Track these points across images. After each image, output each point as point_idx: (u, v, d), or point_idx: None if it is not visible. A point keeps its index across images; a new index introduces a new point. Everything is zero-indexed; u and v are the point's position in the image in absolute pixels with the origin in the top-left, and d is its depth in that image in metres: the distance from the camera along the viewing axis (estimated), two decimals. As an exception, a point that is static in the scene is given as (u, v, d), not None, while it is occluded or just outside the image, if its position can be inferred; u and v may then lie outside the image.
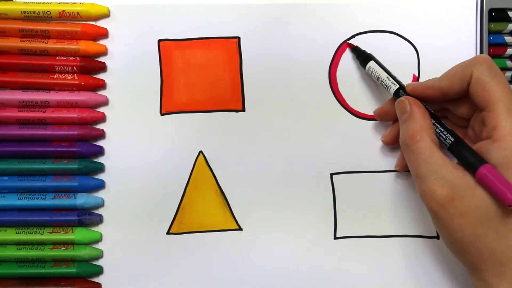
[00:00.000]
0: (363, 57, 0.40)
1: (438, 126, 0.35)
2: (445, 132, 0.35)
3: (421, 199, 0.34)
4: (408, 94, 0.37)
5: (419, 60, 0.41)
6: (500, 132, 0.32)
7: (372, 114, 0.41)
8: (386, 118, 0.39)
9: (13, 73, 0.40)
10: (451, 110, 0.37)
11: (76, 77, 0.40)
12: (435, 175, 0.32)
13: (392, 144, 0.40)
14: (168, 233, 0.41)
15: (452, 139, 0.34)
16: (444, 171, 0.32)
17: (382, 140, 0.40)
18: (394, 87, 0.37)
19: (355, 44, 0.40)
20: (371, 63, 0.39)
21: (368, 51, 0.41)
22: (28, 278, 0.40)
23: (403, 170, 0.40)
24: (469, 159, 0.33)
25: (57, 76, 0.40)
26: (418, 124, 0.34)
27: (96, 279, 0.40)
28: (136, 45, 0.41)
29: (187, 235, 0.41)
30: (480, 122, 0.35)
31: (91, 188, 0.40)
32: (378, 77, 0.38)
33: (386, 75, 0.38)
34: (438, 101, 0.36)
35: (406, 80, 0.41)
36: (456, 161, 0.34)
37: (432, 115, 0.36)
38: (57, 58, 0.40)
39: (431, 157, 0.33)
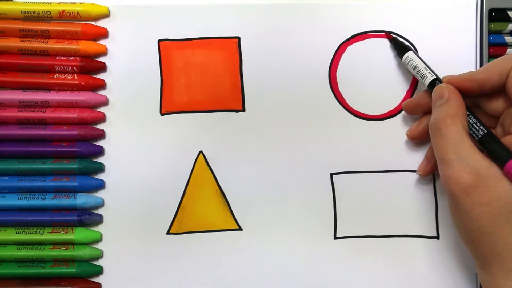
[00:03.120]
0: (400, 48, 0.40)
1: (472, 117, 0.35)
2: (478, 124, 0.35)
3: (442, 184, 0.34)
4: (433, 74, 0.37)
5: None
6: None
7: (372, 114, 0.41)
8: (416, 111, 0.39)
9: (13, 73, 0.40)
10: (482, 107, 0.37)
11: (76, 77, 0.40)
12: (462, 161, 0.32)
13: (417, 139, 0.40)
14: (168, 233, 0.41)
15: (485, 131, 0.34)
16: (471, 159, 0.32)
17: (407, 134, 0.40)
18: (431, 77, 0.37)
19: (393, 35, 0.41)
20: (410, 53, 0.39)
21: (368, 51, 0.41)
22: (28, 278, 0.40)
23: (426, 174, 0.40)
24: (499, 152, 0.33)
25: (57, 76, 0.40)
26: (453, 108, 0.34)
27: (96, 279, 0.41)
28: (136, 45, 0.41)
29: (187, 235, 0.41)
30: (511, 117, 0.35)
31: (91, 188, 0.40)
32: (415, 67, 0.38)
33: (424, 65, 0.38)
34: (474, 93, 0.36)
35: (406, 80, 0.41)
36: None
37: (467, 108, 0.36)
38: (57, 58, 0.40)
39: (461, 143, 0.33)
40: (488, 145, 0.34)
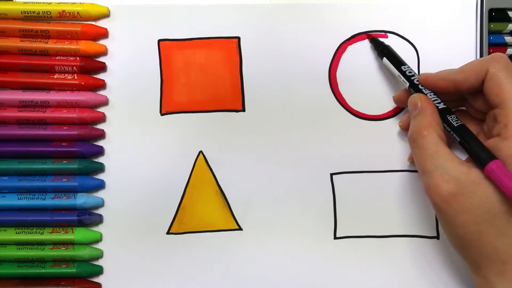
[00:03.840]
0: (380, 49, 0.40)
1: (452, 118, 0.35)
2: (455, 125, 0.35)
3: (426, 194, 0.34)
4: (419, 85, 0.37)
5: (419, 60, 0.41)
6: (510, 130, 0.32)
7: (372, 114, 0.41)
8: (403, 104, 0.39)
9: (13, 73, 0.40)
10: (469, 101, 0.37)
11: (76, 77, 0.40)
12: (440, 170, 0.32)
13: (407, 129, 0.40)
14: (168, 233, 0.41)
15: (463, 135, 0.34)
16: (449, 166, 0.32)
17: (400, 125, 0.40)
18: (406, 84, 0.38)
19: (373, 36, 0.41)
20: (384, 60, 0.39)
21: (368, 51, 0.41)
22: (28, 278, 0.40)
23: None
24: (479, 154, 0.33)
25: (57, 76, 0.40)
26: (426, 120, 0.34)
27: (96, 279, 0.40)
28: (136, 45, 0.41)
29: (187, 235, 0.41)
30: (492, 119, 0.35)
31: (91, 188, 0.40)
32: (392, 73, 0.39)
33: (398, 73, 0.38)
34: (450, 93, 0.36)
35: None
36: (465, 159, 0.34)
37: (445, 110, 0.36)
38: (57, 58, 0.40)
39: (437, 152, 0.33)
40: (468, 147, 0.34)
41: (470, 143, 0.34)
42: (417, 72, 0.41)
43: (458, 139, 0.35)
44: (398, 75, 0.38)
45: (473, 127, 0.36)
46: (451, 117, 0.35)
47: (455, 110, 0.38)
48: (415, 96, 0.36)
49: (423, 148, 0.34)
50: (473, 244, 0.32)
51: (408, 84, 0.37)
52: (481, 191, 0.32)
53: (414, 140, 0.34)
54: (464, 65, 0.36)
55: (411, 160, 0.40)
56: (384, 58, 0.39)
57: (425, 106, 0.35)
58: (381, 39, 0.41)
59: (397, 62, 0.38)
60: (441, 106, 0.36)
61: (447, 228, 0.34)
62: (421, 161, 0.34)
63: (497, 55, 0.35)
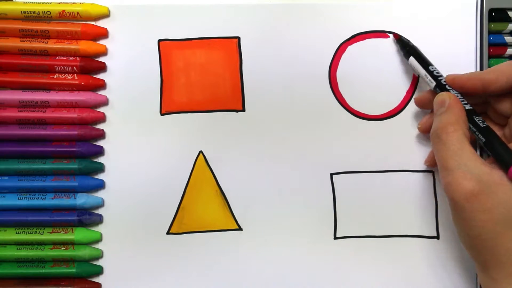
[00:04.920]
0: (407, 49, 0.39)
1: (478, 119, 0.35)
2: (481, 125, 0.35)
3: (444, 192, 0.33)
4: (446, 85, 0.37)
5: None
6: None
7: (372, 114, 0.41)
8: (426, 106, 0.39)
9: (13, 73, 0.40)
10: (492, 105, 0.37)
11: (76, 77, 0.40)
12: (463, 168, 0.32)
13: (428, 132, 0.39)
14: (168, 233, 0.41)
15: (488, 136, 0.34)
16: (472, 165, 0.32)
17: (418, 128, 0.40)
18: (431, 84, 0.37)
19: (400, 35, 0.40)
20: (411, 60, 0.39)
21: (368, 52, 0.41)
22: (28, 278, 0.40)
23: (433, 166, 0.40)
24: (504, 156, 0.33)
25: (57, 76, 0.40)
26: (454, 116, 0.34)
27: (96, 279, 0.41)
28: (136, 45, 0.41)
29: (187, 235, 0.41)
30: None
31: (91, 188, 0.40)
32: (418, 73, 0.39)
33: (424, 72, 0.38)
34: (477, 93, 0.36)
35: (406, 80, 0.41)
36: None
37: (471, 111, 0.35)
38: (57, 58, 0.40)
39: (462, 150, 0.33)
40: (492, 148, 0.34)
41: (495, 144, 0.34)
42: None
43: (484, 140, 0.34)
44: (425, 75, 0.38)
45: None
46: (477, 118, 0.35)
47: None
48: (444, 94, 0.36)
49: (447, 145, 0.33)
50: (487, 245, 0.32)
51: (434, 84, 0.37)
52: (502, 192, 0.32)
53: (438, 136, 0.34)
54: (494, 66, 0.36)
55: (428, 163, 0.40)
56: (411, 58, 0.39)
57: (453, 104, 0.35)
58: (407, 40, 0.40)
59: (424, 62, 0.38)
60: (468, 107, 0.36)
61: (463, 226, 0.33)
62: (444, 158, 0.33)
63: None
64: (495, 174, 0.32)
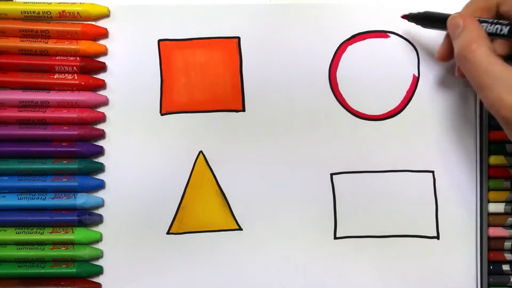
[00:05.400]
0: (421, 19, 0.38)
1: (498, 26, 0.34)
2: (505, 30, 0.34)
3: (489, 111, 0.33)
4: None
5: (419, 60, 0.41)
6: None
7: (372, 114, 0.41)
8: (449, 55, 0.38)
9: (13, 73, 0.40)
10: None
11: (76, 77, 0.40)
12: (500, 82, 0.31)
13: (448, 59, 0.39)
14: (168, 233, 0.41)
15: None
16: (508, 76, 0.31)
17: (437, 57, 0.39)
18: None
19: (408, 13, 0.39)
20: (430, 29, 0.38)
21: (368, 52, 0.41)
22: (28, 278, 0.40)
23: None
24: None
25: (57, 76, 0.40)
26: (474, 33, 0.33)
27: (96, 279, 0.41)
28: (136, 45, 0.41)
29: (187, 235, 0.41)
30: None
31: (91, 188, 0.40)
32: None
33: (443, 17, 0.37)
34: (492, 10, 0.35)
35: (406, 80, 0.41)
36: None
37: (488, 21, 0.34)
38: (57, 58, 0.40)
39: (492, 64, 0.32)
40: None
41: None
42: (417, 73, 0.41)
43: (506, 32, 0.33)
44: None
45: None
46: (496, 26, 0.34)
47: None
48: (455, 16, 0.35)
49: (476, 63, 0.32)
50: None
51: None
52: None
53: (464, 56, 0.33)
54: None
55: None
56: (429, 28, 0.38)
57: (468, 22, 0.34)
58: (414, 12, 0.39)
59: (441, 21, 0.37)
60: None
61: None
62: (476, 77, 0.32)
63: None
64: None
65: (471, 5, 0.36)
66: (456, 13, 0.35)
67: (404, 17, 0.39)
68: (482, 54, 0.32)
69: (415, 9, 0.39)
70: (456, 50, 0.34)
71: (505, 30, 0.34)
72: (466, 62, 0.33)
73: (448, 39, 0.38)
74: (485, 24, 0.34)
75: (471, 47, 0.33)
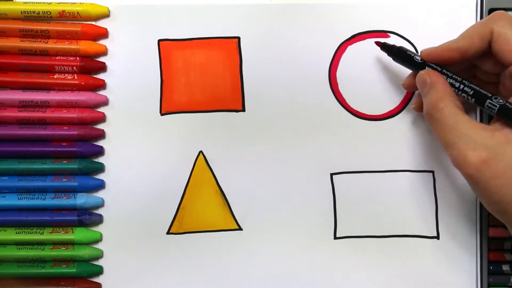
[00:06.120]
0: (394, 53, 0.38)
1: (465, 85, 0.34)
2: (470, 92, 0.34)
3: (455, 167, 0.33)
4: (423, 60, 0.36)
5: (419, 60, 0.41)
6: None
7: (372, 114, 0.41)
8: (414, 88, 0.38)
9: (13, 73, 0.40)
10: (478, 66, 0.37)
11: (76, 77, 0.40)
12: (464, 139, 0.32)
13: (422, 110, 0.38)
14: (168, 233, 0.41)
15: (480, 98, 0.34)
16: (472, 134, 0.32)
17: (413, 107, 0.39)
18: (415, 71, 0.37)
19: (383, 41, 0.39)
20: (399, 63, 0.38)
21: (368, 52, 0.41)
22: (28, 278, 0.40)
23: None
24: (508, 109, 0.32)
25: (57, 76, 0.40)
26: (439, 92, 0.34)
27: (96, 279, 0.41)
28: (136, 45, 0.41)
29: (187, 235, 0.41)
30: (508, 77, 0.34)
31: (91, 188, 0.40)
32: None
33: (407, 64, 0.37)
34: (456, 62, 0.36)
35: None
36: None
37: (456, 80, 0.35)
38: (57, 58, 0.40)
39: (457, 122, 0.32)
40: (493, 107, 0.33)
41: (495, 102, 0.33)
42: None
43: (477, 102, 0.34)
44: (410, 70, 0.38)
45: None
46: (462, 85, 0.34)
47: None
48: (422, 73, 0.35)
49: (442, 121, 0.33)
50: (511, 207, 0.31)
51: (414, 67, 0.37)
52: (510, 152, 0.31)
53: (431, 115, 0.34)
54: (464, 32, 0.35)
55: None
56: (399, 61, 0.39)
57: (434, 80, 0.34)
58: (386, 41, 0.40)
59: (409, 59, 0.37)
60: (449, 79, 0.35)
61: (482, 196, 0.33)
62: (443, 135, 0.33)
63: (498, 13, 0.34)
64: (498, 136, 0.32)
65: (465, 35, 0.36)
66: (423, 70, 0.36)
67: (378, 44, 0.39)
68: (447, 113, 0.33)
69: (392, 41, 0.40)
70: (424, 109, 0.35)
71: (471, 100, 0.34)
72: (434, 121, 0.34)
73: (418, 93, 0.38)
74: (451, 80, 0.35)
75: (438, 106, 0.33)
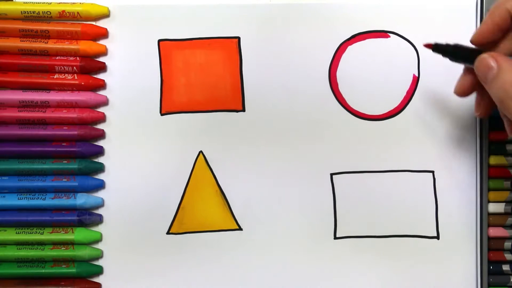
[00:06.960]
0: (451, 52, 0.35)
1: None
2: None
3: None
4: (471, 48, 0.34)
5: (419, 60, 0.41)
6: None
7: (372, 114, 0.41)
8: (469, 90, 0.36)
9: (13, 73, 0.40)
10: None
11: (76, 77, 0.40)
12: None
13: (467, 94, 0.36)
14: (168, 233, 0.41)
15: None
16: None
17: (455, 92, 0.36)
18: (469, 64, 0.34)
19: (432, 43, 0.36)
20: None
21: (368, 52, 0.41)
22: (28, 278, 0.40)
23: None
24: None
25: (57, 76, 0.40)
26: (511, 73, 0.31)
27: (96, 279, 0.41)
28: (136, 45, 0.41)
29: (187, 235, 0.41)
30: None
31: (91, 188, 0.40)
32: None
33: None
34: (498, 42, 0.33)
35: (406, 80, 0.41)
36: None
37: None
38: (57, 58, 0.40)
39: None
40: None
41: None
42: (417, 73, 0.41)
43: None
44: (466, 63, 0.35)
45: None
46: None
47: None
48: (485, 57, 0.32)
49: None
50: None
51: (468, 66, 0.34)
52: None
53: (511, 98, 0.30)
54: (492, 8, 0.33)
55: (479, 112, 0.36)
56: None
57: (501, 61, 0.31)
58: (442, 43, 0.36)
59: (472, 52, 0.34)
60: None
61: None
62: None
63: None
64: None
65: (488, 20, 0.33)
66: (484, 53, 0.32)
67: (428, 46, 0.36)
68: None
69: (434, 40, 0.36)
70: (496, 97, 0.32)
71: None
72: None
73: (469, 74, 0.35)
74: None
75: None
